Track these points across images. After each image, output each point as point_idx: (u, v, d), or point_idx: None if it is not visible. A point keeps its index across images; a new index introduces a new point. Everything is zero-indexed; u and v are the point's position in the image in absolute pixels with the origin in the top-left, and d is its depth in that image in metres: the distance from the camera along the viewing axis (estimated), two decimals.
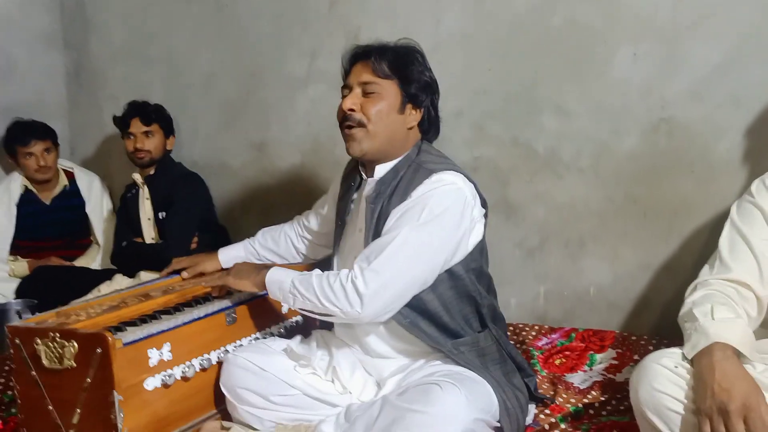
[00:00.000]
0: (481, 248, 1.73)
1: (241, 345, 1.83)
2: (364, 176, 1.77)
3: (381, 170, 1.71)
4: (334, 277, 1.59)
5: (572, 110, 2.22)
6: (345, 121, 1.69)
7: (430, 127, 1.77)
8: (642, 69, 2.09)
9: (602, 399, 1.85)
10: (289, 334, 1.97)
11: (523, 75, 2.30)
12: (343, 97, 1.72)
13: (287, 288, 1.65)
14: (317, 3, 2.69)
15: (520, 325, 2.33)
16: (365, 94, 1.68)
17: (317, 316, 1.67)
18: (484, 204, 1.73)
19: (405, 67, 1.69)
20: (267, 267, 1.76)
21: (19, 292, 2.70)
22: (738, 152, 1.99)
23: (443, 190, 1.60)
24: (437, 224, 1.57)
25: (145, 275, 2.65)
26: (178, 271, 2.15)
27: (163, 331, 1.64)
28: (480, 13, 2.34)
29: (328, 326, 1.86)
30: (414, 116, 1.72)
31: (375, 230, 1.65)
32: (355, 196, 1.81)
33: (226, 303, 1.83)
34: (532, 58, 2.27)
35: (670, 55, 2.05)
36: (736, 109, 1.98)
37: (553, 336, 2.22)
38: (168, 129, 2.89)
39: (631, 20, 2.09)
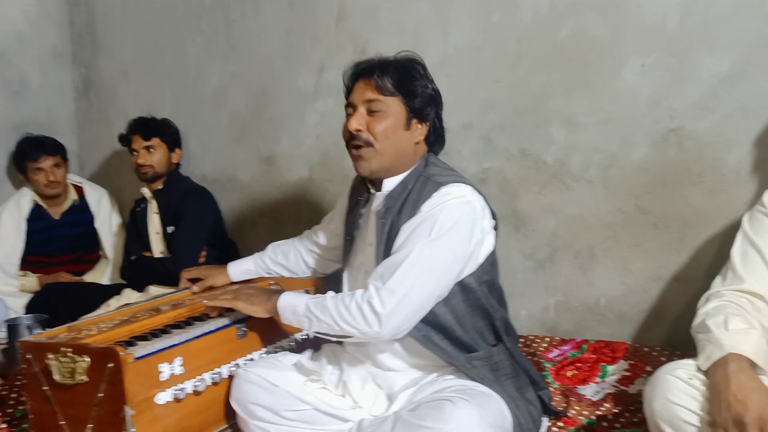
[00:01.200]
0: (492, 260, 1.72)
1: (252, 359, 1.83)
2: (372, 190, 1.77)
3: (389, 184, 1.71)
4: (350, 299, 1.57)
5: (581, 122, 2.22)
6: (352, 140, 1.68)
7: (436, 140, 1.76)
8: (650, 80, 2.09)
9: (615, 411, 1.83)
10: (299, 347, 1.96)
11: (531, 87, 2.30)
12: (348, 115, 1.70)
13: (301, 312, 1.64)
14: (325, 18, 2.71)
15: (531, 337, 2.32)
16: (370, 112, 1.66)
17: (333, 339, 1.66)
18: (493, 215, 1.73)
19: (408, 82, 1.67)
20: (277, 292, 1.75)
21: (30, 308, 2.71)
22: (748, 162, 1.98)
23: (452, 204, 1.59)
24: (448, 238, 1.56)
25: (154, 289, 2.66)
26: (192, 281, 2.17)
27: (174, 345, 1.64)
28: (488, 26, 2.35)
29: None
30: (420, 130, 1.71)
31: (386, 245, 1.64)
32: (363, 210, 1.80)
33: (236, 316, 1.83)
34: (540, 70, 2.28)
35: (679, 66, 2.05)
36: (746, 120, 1.97)
37: (564, 348, 2.21)
38: (172, 142, 2.91)
39: (639, 32, 2.10)
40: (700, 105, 2.03)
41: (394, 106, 1.66)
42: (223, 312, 1.85)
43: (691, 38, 2.03)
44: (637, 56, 2.11)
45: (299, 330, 1.99)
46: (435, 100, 1.73)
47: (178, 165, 2.96)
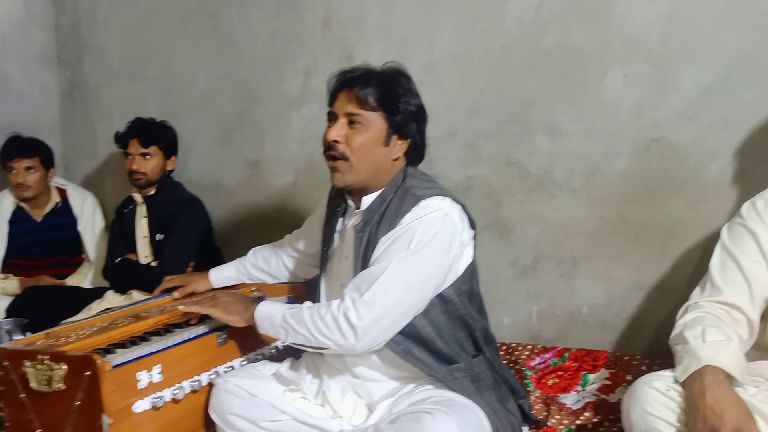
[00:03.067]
0: (471, 270, 1.72)
1: (232, 367, 1.82)
2: (351, 204, 1.76)
3: (367, 200, 1.69)
4: (326, 310, 1.57)
5: (564, 130, 2.23)
6: (328, 150, 1.66)
7: (416, 154, 1.74)
8: (633, 91, 2.10)
9: (595, 420, 1.84)
10: (280, 355, 1.96)
11: (515, 95, 2.30)
12: (329, 123, 1.68)
13: (278, 323, 1.63)
14: (311, 23, 2.71)
15: (513, 345, 2.32)
16: (350, 123, 1.64)
17: (310, 349, 1.65)
18: (472, 225, 1.72)
19: (391, 98, 1.64)
20: (256, 300, 1.73)
21: (10, 312, 2.68)
22: (728, 173, 1.99)
23: (431, 217, 1.58)
24: (427, 252, 1.56)
25: (137, 294, 2.64)
26: (169, 291, 2.15)
27: (153, 353, 1.63)
28: (473, 34, 2.35)
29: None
30: (400, 146, 1.69)
31: (363, 258, 1.64)
32: (340, 222, 1.80)
33: (216, 324, 1.82)
34: (525, 79, 2.28)
35: (661, 77, 2.06)
36: (726, 131, 1.98)
37: (546, 356, 2.22)
38: (169, 150, 2.86)
39: (622, 42, 2.11)
40: (682, 115, 2.04)
41: (374, 122, 1.63)
42: (201, 318, 1.84)
43: (674, 49, 2.04)
44: (620, 66, 2.11)
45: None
46: (418, 116, 1.70)
47: (171, 171, 2.93)
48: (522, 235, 2.35)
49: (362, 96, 1.62)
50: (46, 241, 3.06)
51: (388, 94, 1.64)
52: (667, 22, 2.04)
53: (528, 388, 2.02)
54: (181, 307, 1.82)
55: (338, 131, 1.64)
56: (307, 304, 1.64)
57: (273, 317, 1.65)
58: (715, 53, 1.98)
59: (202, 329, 1.79)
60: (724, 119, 1.99)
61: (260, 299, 1.77)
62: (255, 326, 1.69)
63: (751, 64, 1.94)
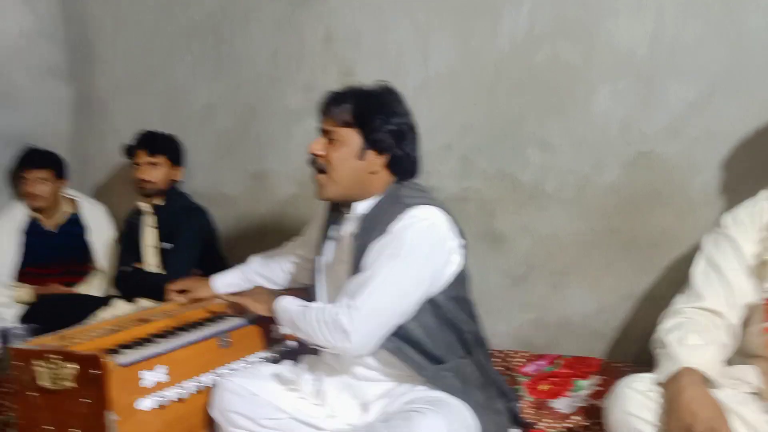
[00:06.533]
0: (461, 277, 1.79)
1: (234, 369, 1.89)
2: (344, 211, 1.84)
3: (360, 207, 1.79)
4: (323, 313, 1.67)
5: (555, 144, 2.30)
6: (313, 163, 1.80)
7: (405, 169, 1.81)
8: (621, 105, 2.17)
9: (585, 424, 1.88)
10: (281, 358, 2.02)
11: (508, 110, 2.38)
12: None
13: (291, 318, 1.75)
14: (312, 40, 2.78)
15: (510, 352, 2.37)
16: (330, 141, 1.77)
17: (317, 346, 1.75)
18: (462, 235, 1.79)
19: (366, 115, 1.74)
20: (279, 296, 1.86)
21: (23, 319, 2.73)
22: (714, 185, 2.06)
23: (418, 225, 1.67)
24: (413, 258, 1.64)
25: (145, 303, 2.70)
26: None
27: (158, 354, 1.69)
28: (466, 52, 2.43)
29: (318, 351, 1.92)
30: (377, 161, 1.76)
31: (357, 264, 1.72)
32: (337, 229, 1.87)
33: (220, 327, 1.90)
34: (517, 94, 2.35)
35: (647, 92, 2.13)
36: (712, 144, 2.05)
37: (540, 362, 2.27)
38: (175, 160, 2.94)
39: (610, 59, 2.18)
40: (669, 129, 2.11)
41: (348, 137, 1.74)
42: (209, 319, 1.95)
43: (660, 66, 2.11)
44: (608, 82, 2.19)
45: (280, 341, 2.06)
46: (399, 133, 1.76)
47: (177, 181, 3.00)
48: (515, 246, 2.41)
49: (337, 114, 1.75)
50: (58, 250, 3.12)
51: (362, 111, 1.75)
52: (652, 39, 2.11)
53: (520, 394, 2.07)
54: (218, 301, 2.02)
55: (319, 145, 1.77)
56: (314, 304, 1.74)
57: (287, 312, 1.78)
58: (699, 70, 2.06)
59: (206, 332, 1.85)
60: (709, 133, 2.06)
61: (281, 295, 1.89)
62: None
63: (733, 80, 2.01)
